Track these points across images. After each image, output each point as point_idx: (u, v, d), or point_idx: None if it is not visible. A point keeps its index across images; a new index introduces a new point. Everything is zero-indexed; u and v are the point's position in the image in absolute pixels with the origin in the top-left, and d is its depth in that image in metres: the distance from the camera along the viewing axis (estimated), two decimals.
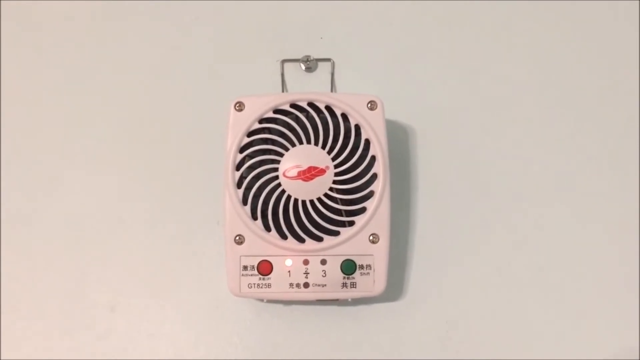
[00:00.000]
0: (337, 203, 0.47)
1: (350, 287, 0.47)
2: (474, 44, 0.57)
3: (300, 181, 0.47)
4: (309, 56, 0.56)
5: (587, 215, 0.53)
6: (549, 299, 0.51)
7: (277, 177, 0.47)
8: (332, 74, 0.56)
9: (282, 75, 0.56)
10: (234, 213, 0.47)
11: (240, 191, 0.47)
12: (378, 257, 0.47)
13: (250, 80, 0.56)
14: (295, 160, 0.47)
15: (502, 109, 0.55)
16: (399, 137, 0.54)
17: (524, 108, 0.55)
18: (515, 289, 0.51)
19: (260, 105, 0.48)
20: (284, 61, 0.56)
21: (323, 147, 0.47)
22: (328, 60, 0.57)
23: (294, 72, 0.57)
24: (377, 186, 0.47)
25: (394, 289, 0.51)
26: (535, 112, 0.55)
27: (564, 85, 0.56)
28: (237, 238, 0.47)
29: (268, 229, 0.47)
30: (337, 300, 0.49)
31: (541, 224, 0.53)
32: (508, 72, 0.56)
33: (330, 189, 0.47)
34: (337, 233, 0.47)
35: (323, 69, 0.57)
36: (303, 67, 0.57)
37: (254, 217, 0.47)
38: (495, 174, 0.54)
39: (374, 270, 0.47)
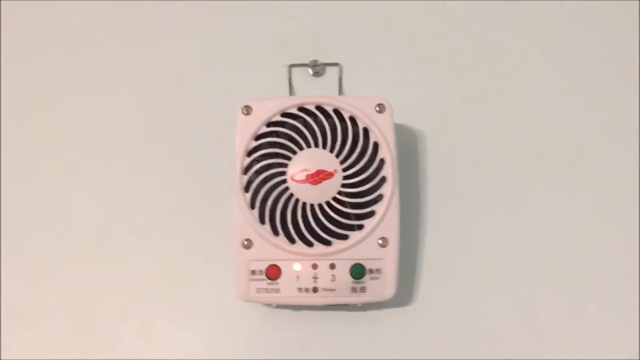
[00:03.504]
0: (345, 207, 0.47)
1: (360, 292, 0.46)
2: (484, 46, 0.57)
3: (308, 185, 0.46)
4: (316, 61, 0.56)
5: (598, 217, 0.52)
6: (562, 302, 0.50)
7: (285, 181, 0.47)
8: (340, 79, 0.56)
9: (290, 80, 0.56)
10: (241, 217, 0.47)
11: (248, 195, 0.47)
12: (388, 261, 0.47)
13: (257, 85, 0.56)
14: (303, 163, 0.47)
15: (513, 112, 0.55)
16: (408, 141, 0.54)
17: (536, 112, 0.55)
18: (528, 292, 0.51)
19: (267, 109, 0.48)
20: (291, 66, 0.56)
21: (331, 151, 0.47)
22: (336, 64, 0.56)
23: (302, 76, 0.56)
24: (386, 189, 0.47)
25: (404, 294, 0.50)
26: (548, 116, 0.55)
27: (577, 86, 0.56)
28: (245, 242, 0.47)
29: (276, 232, 0.47)
30: (347, 305, 0.48)
31: (553, 227, 0.52)
32: (520, 76, 0.56)
33: (339, 193, 0.47)
34: (346, 237, 0.47)
35: (331, 73, 0.57)
36: (311, 71, 0.56)
37: (262, 221, 0.47)
38: (505, 177, 0.53)
39: (383, 275, 0.47)
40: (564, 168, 0.53)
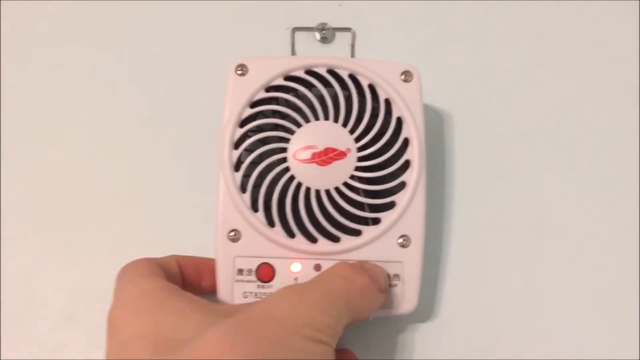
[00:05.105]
0: (359, 194, 0.38)
1: None
2: (527, 13, 0.48)
3: (314, 165, 0.37)
4: (325, 24, 0.48)
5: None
6: (602, 319, 0.42)
7: (285, 160, 0.38)
8: (353, 46, 0.48)
9: (293, 45, 0.47)
10: (229, 202, 0.37)
11: (239, 175, 0.38)
12: (409, 264, 0.38)
13: (253, 51, 0.47)
14: (309, 139, 0.38)
15: (558, 91, 0.46)
16: (433, 122, 0.45)
17: (581, 95, 0.47)
18: (572, 302, 0.42)
19: (268, 70, 0.39)
20: (295, 29, 0.47)
21: (344, 125, 0.38)
22: (348, 30, 0.48)
23: (307, 42, 0.48)
24: (409, 176, 0.38)
25: (425, 306, 0.41)
26: (592, 101, 0.47)
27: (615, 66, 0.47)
28: (232, 234, 0.37)
29: (271, 223, 0.37)
30: None
31: (594, 228, 0.44)
32: (565, 50, 0.48)
33: (352, 177, 0.38)
34: (358, 232, 0.38)
35: (341, 40, 0.48)
36: (318, 36, 0.48)
37: (255, 209, 0.37)
38: (547, 168, 0.45)
39: (403, 282, 0.38)
40: (615, 157, 0.45)
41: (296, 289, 0.32)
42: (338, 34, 0.48)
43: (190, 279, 0.38)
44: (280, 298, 0.31)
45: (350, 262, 0.36)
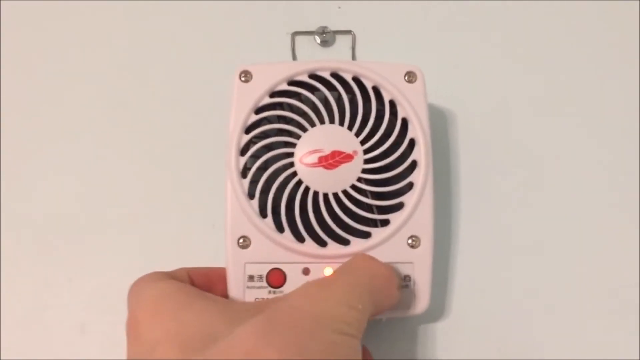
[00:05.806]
0: (367, 197, 0.38)
1: None
2: (528, 12, 0.48)
3: (321, 169, 0.37)
4: (325, 27, 0.48)
5: None
6: (619, 319, 0.42)
7: (292, 164, 0.38)
8: (353, 49, 0.48)
9: (293, 50, 0.47)
10: (237, 209, 0.37)
11: (246, 182, 0.38)
12: (419, 265, 0.38)
13: (254, 56, 0.47)
14: (315, 143, 0.38)
15: (563, 89, 0.47)
16: (436, 122, 0.45)
17: (586, 94, 0.47)
18: (581, 301, 0.42)
19: (271, 76, 0.39)
20: (295, 34, 0.47)
21: (350, 128, 0.38)
22: (348, 32, 0.48)
23: (307, 46, 0.48)
24: (417, 176, 0.38)
25: (436, 306, 0.41)
26: (597, 103, 0.47)
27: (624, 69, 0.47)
28: (242, 240, 0.37)
29: (281, 229, 0.37)
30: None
31: (604, 226, 0.44)
32: (570, 49, 0.48)
33: (359, 180, 0.38)
34: (367, 235, 0.38)
35: (342, 43, 0.48)
36: (318, 40, 0.48)
37: (263, 215, 0.37)
38: (552, 167, 0.45)
39: (414, 283, 0.38)
40: (621, 158, 0.45)
41: (320, 283, 0.32)
42: (338, 37, 0.48)
43: (202, 288, 0.37)
44: (305, 293, 0.31)
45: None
